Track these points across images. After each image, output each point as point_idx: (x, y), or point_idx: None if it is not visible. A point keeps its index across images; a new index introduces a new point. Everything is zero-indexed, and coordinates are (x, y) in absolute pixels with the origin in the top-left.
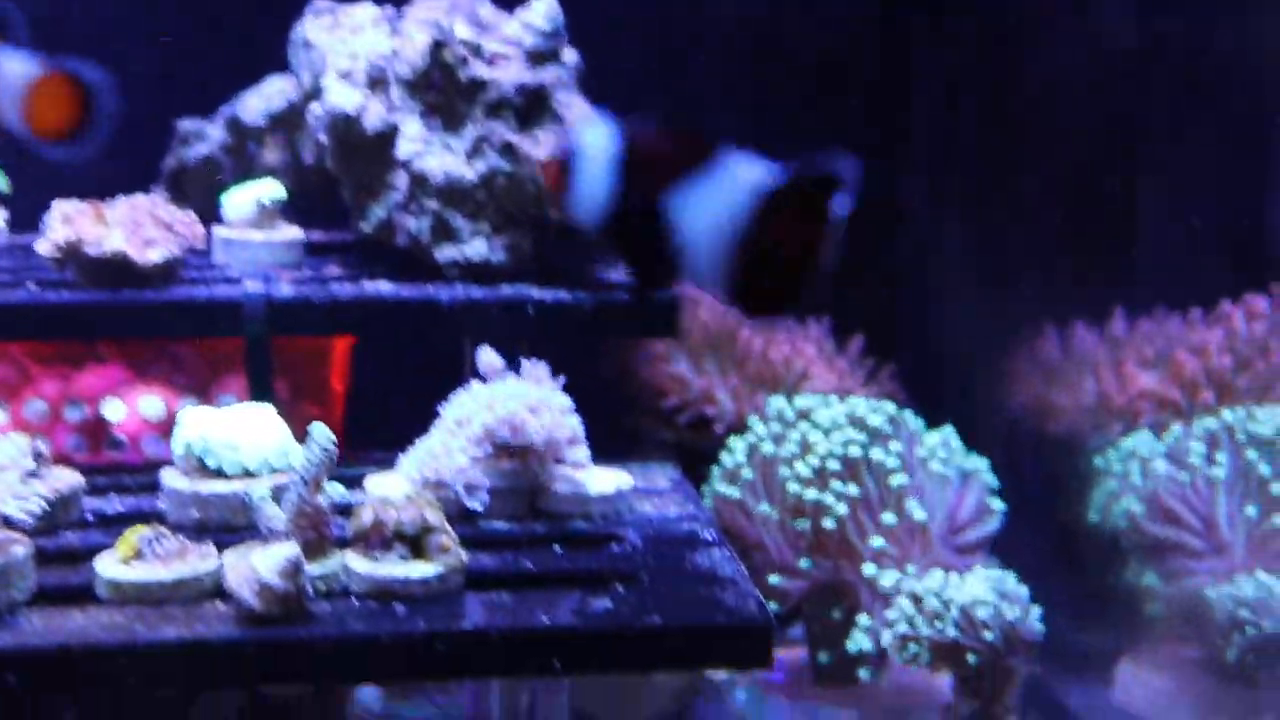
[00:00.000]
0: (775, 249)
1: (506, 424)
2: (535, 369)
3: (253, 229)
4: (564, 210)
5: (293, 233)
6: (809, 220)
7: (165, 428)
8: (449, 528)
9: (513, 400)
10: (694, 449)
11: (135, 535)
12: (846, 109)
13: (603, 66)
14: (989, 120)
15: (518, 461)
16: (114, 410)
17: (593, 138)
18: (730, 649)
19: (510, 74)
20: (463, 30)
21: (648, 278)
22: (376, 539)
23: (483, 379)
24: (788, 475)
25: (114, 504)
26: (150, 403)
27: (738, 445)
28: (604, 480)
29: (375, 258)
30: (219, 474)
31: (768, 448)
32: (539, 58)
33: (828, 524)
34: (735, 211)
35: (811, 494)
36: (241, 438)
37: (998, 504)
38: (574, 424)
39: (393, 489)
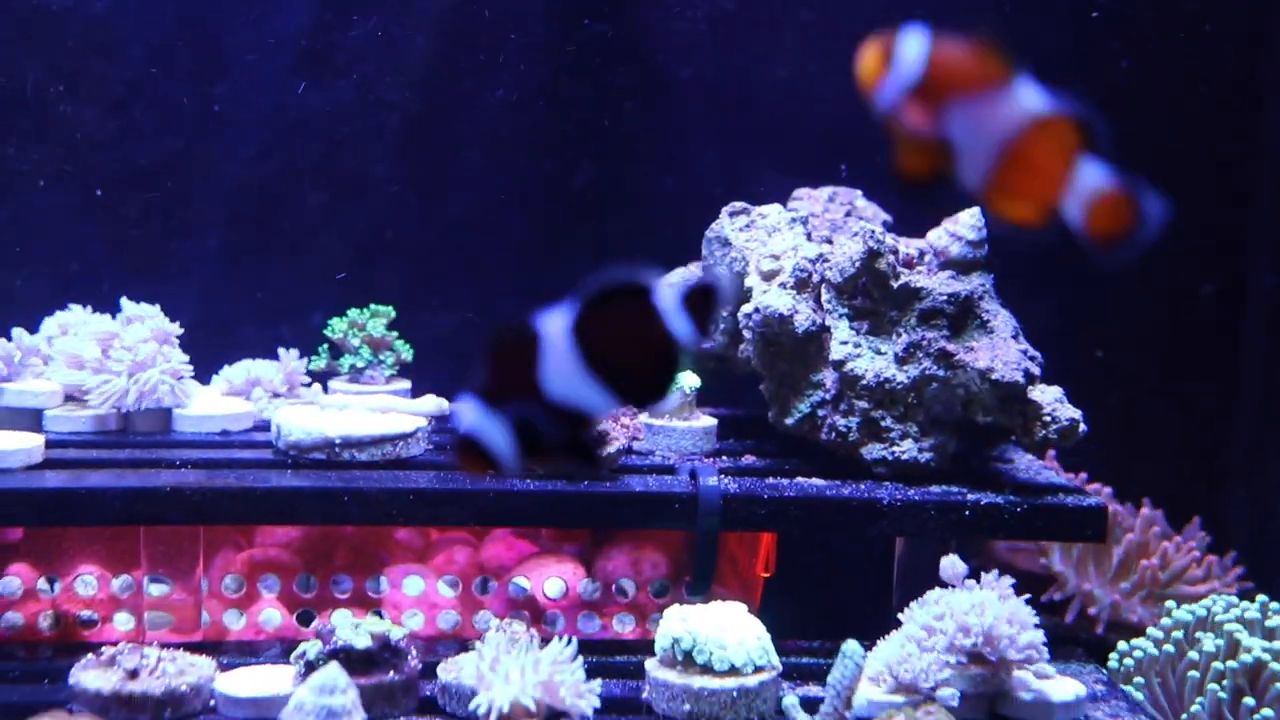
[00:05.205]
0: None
1: (983, 636)
2: (998, 581)
3: (674, 417)
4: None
5: (709, 421)
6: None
7: (584, 604)
8: None
9: (987, 613)
10: (1071, 638)
11: None
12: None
13: None
14: None
15: (986, 669)
16: (553, 587)
17: (551, 324)
18: None
19: (940, 283)
20: (889, 239)
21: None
22: None
23: (948, 585)
24: (1196, 682)
25: None
26: (587, 585)
27: (1138, 653)
28: (1064, 689)
29: (789, 450)
30: (707, 669)
31: (1185, 661)
32: (965, 266)
33: None
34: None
35: (1223, 703)
36: (728, 636)
37: None
38: (1040, 636)
39: (861, 689)
